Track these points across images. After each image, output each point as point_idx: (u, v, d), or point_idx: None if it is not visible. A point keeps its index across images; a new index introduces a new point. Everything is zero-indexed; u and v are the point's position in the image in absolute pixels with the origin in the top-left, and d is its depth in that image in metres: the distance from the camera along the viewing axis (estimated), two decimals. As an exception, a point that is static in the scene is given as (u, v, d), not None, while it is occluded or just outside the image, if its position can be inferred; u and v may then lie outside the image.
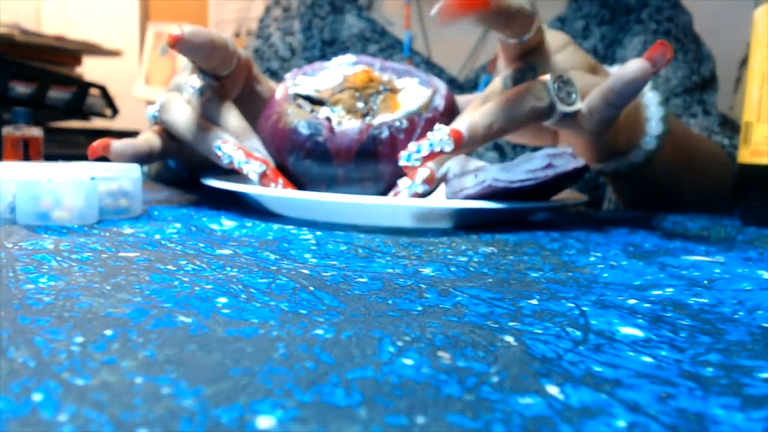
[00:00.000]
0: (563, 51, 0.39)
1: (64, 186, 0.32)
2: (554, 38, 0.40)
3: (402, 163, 0.35)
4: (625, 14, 0.67)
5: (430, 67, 0.68)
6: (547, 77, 0.37)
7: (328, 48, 0.72)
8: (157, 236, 0.31)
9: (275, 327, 0.17)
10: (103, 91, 1.26)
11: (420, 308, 0.20)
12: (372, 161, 0.38)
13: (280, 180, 0.39)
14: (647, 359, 0.16)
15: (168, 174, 0.56)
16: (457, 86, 0.66)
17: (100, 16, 2.13)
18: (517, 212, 0.38)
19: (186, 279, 0.22)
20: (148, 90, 1.96)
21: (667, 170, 0.47)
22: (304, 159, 0.39)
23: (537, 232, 0.36)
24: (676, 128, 0.47)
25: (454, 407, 0.12)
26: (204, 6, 2.07)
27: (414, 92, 0.40)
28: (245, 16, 1.95)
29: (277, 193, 0.37)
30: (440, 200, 0.38)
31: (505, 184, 0.36)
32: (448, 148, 0.34)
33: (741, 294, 0.23)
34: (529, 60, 0.39)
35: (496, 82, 0.40)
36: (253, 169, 0.38)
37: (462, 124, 0.35)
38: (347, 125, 0.38)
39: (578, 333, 0.18)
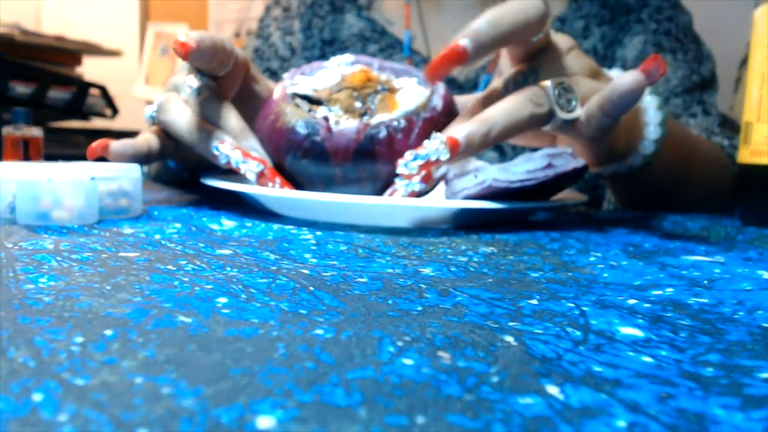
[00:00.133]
0: (568, 55, 0.39)
1: (64, 186, 0.32)
2: (559, 41, 0.40)
3: (400, 170, 0.35)
4: (625, 14, 0.67)
5: (430, 66, 0.67)
6: (547, 83, 0.37)
7: (327, 48, 0.72)
8: (157, 236, 0.31)
9: (275, 327, 0.17)
10: (103, 91, 1.26)
11: (420, 308, 0.20)
12: (369, 161, 0.38)
13: (278, 179, 0.39)
14: (647, 359, 0.16)
15: (168, 174, 0.56)
16: (457, 86, 0.66)
17: (100, 16, 2.13)
18: (517, 212, 0.38)
19: (186, 279, 0.22)
20: (148, 90, 1.96)
21: (665, 173, 0.47)
22: (302, 158, 0.39)
23: (537, 232, 0.36)
24: (675, 131, 0.47)
25: (454, 407, 0.12)
26: (204, 6, 2.07)
27: (412, 92, 0.40)
28: (245, 16, 1.95)
29: (278, 193, 0.37)
30: (440, 200, 0.38)
31: (506, 184, 0.36)
32: (444, 157, 0.35)
33: (741, 294, 0.23)
34: (533, 63, 0.39)
35: (497, 82, 0.40)
36: (250, 168, 0.38)
37: (459, 131, 0.35)
38: (345, 125, 0.38)
39: (578, 333, 0.18)
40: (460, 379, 0.14)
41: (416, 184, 0.38)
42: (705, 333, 0.18)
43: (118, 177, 0.35)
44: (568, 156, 0.37)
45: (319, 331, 0.17)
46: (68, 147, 1.13)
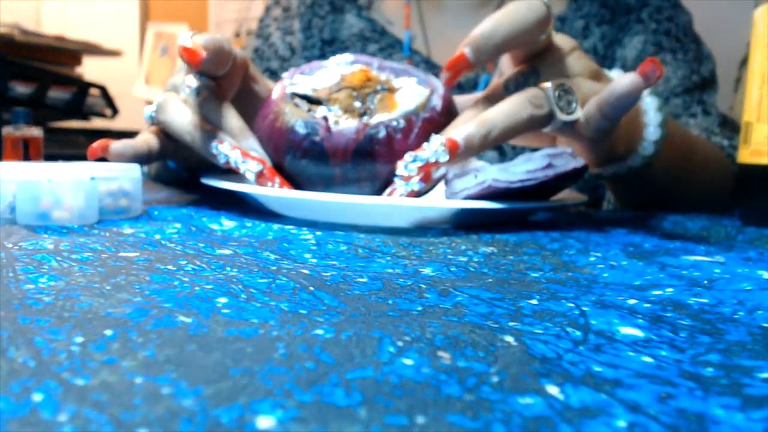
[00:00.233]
0: (569, 56, 0.39)
1: (64, 186, 0.32)
2: (561, 42, 0.40)
3: (400, 172, 0.36)
4: (625, 14, 0.67)
5: (430, 66, 0.68)
6: (548, 85, 0.37)
7: (327, 47, 0.72)
8: (157, 236, 0.31)
9: (275, 327, 0.17)
10: (103, 91, 1.26)
11: (420, 308, 0.20)
12: (369, 161, 0.38)
13: (277, 179, 0.39)
14: (647, 359, 0.16)
15: (168, 174, 0.56)
16: (456, 86, 0.66)
17: (100, 16, 2.13)
18: (516, 212, 0.38)
19: (186, 279, 0.22)
20: (148, 90, 1.96)
21: (665, 174, 0.47)
22: (301, 158, 0.39)
23: (537, 232, 0.36)
24: (675, 131, 0.47)
25: (454, 407, 0.12)
26: (204, 6, 2.07)
27: (411, 92, 0.40)
28: (245, 16, 1.95)
29: (278, 193, 0.37)
30: (440, 200, 0.38)
31: (506, 184, 0.36)
32: (443, 159, 0.35)
33: (741, 294, 0.23)
34: (535, 64, 0.39)
35: (498, 82, 0.40)
36: (249, 168, 0.38)
37: (458, 133, 0.35)
38: (344, 125, 0.38)
39: (578, 333, 0.18)
40: (460, 379, 0.14)
41: (415, 184, 0.38)
42: (705, 333, 0.18)
43: (118, 177, 0.35)
44: (568, 156, 0.37)
45: (319, 331, 0.17)
46: (68, 147, 1.13)
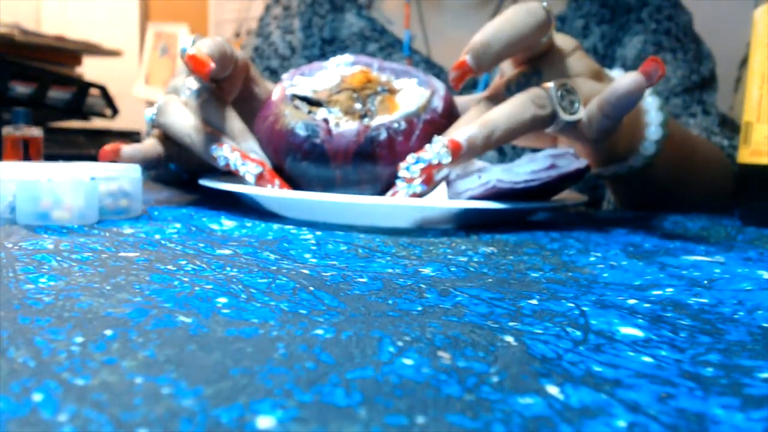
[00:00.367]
0: (571, 56, 0.39)
1: (64, 186, 0.32)
2: (562, 43, 0.40)
3: (402, 174, 0.36)
4: (625, 13, 0.67)
5: (430, 66, 0.68)
6: (550, 85, 0.37)
7: (327, 46, 0.72)
8: (157, 236, 0.31)
9: (275, 327, 0.17)
10: (103, 91, 1.26)
11: (420, 308, 0.20)
12: (369, 163, 0.38)
13: (277, 181, 0.38)
14: (647, 359, 0.16)
15: (168, 175, 0.56)
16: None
17: (100, 16, 2.13)
18: (517, 212, 0.38)
19: (186, 279, 0.22)
20: (148, 90, 1.96)
21: (666, 173, 0.47)
22: (302, 161, 0.39)
23: (537, 232, 0.36)
24: (675, 131, 0.47)
25: (454, 407, 0.12)
26: (204, 6, 2.06)
27: (412, 93, 0.40)
28: (245, 16, 1.95)
29: (278, 194, 0.37)
30: (442, 200, 0.38)
31: (510, 185, 0.36)
32: (445, 161, 0.35)
33: (741, 294, 0.23)
34: (537, 64, 0.39)
35: (499, 83, 0.40)
36: (249, 171, 0.38)
37: (461, 134, 0.35)
38: (345, 127, 0.38)
39: (578, 333, 0.18)
40: (460, 379, 0.14)
41: (417, 186, 0.38)
42: (705, 333, 0.18)
43: (118, 177, 0.35)
44: (570, 156, 0.37)
45: (319, 331, 0.17)
46: (68, 147, 1.13)
